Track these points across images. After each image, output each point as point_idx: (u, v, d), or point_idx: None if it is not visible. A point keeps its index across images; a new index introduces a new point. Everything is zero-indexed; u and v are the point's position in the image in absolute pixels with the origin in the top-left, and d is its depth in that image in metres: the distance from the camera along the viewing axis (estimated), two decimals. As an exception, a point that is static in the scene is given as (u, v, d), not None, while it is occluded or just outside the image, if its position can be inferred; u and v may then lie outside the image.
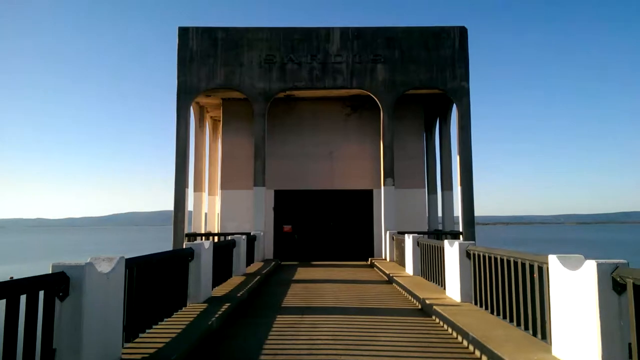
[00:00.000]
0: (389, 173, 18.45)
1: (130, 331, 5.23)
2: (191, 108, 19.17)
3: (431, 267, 10.38)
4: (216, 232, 21.29)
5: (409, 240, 12.76)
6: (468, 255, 7.77)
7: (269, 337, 6.32)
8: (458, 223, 19.06)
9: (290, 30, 19.04)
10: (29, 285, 3.52)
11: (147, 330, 5.76)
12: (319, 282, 12.20)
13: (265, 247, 18.89)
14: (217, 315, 6.91)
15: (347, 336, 6.33)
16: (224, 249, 10.84)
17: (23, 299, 3.46)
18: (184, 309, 7.36)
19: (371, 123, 20.32)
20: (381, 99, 18.63)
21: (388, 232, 17.76)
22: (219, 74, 18.68)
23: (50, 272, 3.88)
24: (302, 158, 20.41)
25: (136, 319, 5.39)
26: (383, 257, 18.23)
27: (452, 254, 8.33)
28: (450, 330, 6.48)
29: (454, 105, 18.95)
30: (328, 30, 18.98)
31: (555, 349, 4.60)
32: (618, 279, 3.80)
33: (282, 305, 8.87)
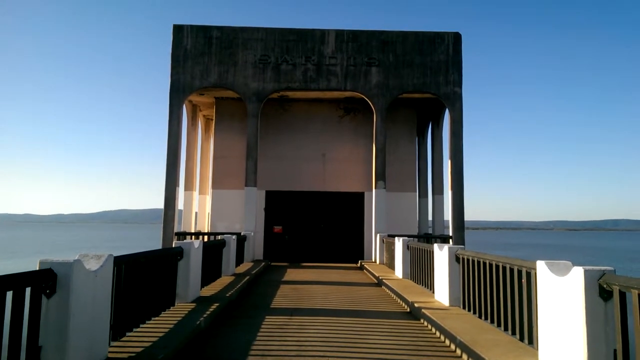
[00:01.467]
0: (380, 176, 18.50)
1: (118, 330, 5.19)
2: (184, 106, 19.09)
3: (420, 270, 10.42)
4: (206, 231, 21.20)
5: (398, 244, 12.80)
6: (457, 259, 7.81)
7: (257, 338, 6.31)
8: (448, 227, 19.16)
9: (286, 31, 19.04)
10: (16, 281, 3.48)
11: (135, 329, 5.72)
12: (309, 284, 12.19)
13: (255, 248, 18.84)
14: (205, 315, 6.88)
15: (336, 338, 6.33)
16: (213, 248, 10.80)
17: (9, 295, 3.42)
18: (172, 308, 7.32)
19: (364, 126, 20.37)
20: (374, 102, 18.68)
21: (378, 234, 17.80)
22: (213, 72, 18.63)
23: (38, 268, 3.84)
24: (294, 159, 20.40)
25: (123, 318, 5.35)
26: (373, 260, 18.27)
27: (441, 257, 8.37)
28: (438, 333, 6.51)
29: (447, 110, 19.07)
30: (323, 32, 19.01)
31: (542, 354, 4.63)
32: (605, 286, 3.84)
33: (271, 306, 8.85)
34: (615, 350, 3.74)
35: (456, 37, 19.05)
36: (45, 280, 3.80)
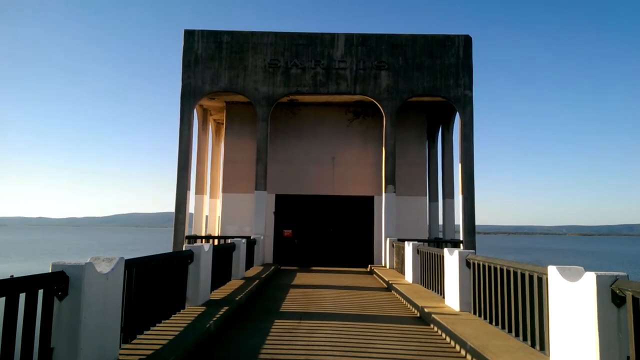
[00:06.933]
0: (390, 180, 18.44)
1: (128, 332, 5.23)
2: (195, 111, 19.23)
3: (430, 275, 10.36)
4: (216, 235, 21.29)
5: (408, 248, 12.74)
6: (468, 264, 7.76)
7: (267, 342, 6.31)
8: (459, 231, 19.02)
9: (295, 35, 19.12)
10: (29, 283, 3.53)
11: (145, 332, 5.76)
12: (318, 288, 12.18)
13: (265, 251, 18.88)
14: (215, 319, 6.90)
15: (345, 343, 6.31)
16: (223, 252, 10.84)
17: (22, 297, 3.47)
18: (182, 311, 7.36)
19: (373, 129, 20.35)
20: (384, 105, 18.66)
21: (388, 239, 17.73)
22: (223, 77, 18.76)
23: (50, 271, 3.89)
24: (304, 163, 20.43)
25: (134, 321, 5.39)
26: (383, 264, 18.19)
27: (451, 262, 8.31)
28: (448, 339, 6.46)
29: (457, 113, 18.98)
30: (332, 36, 19.06)
31: (553, 361, 4.58)
32: (617, 292, 3.79)
33: (281, 310, 8.86)
34: (628, 357, 3.68)
35: (466, 40, 18.97)
36: (57, 283, 3.84)
